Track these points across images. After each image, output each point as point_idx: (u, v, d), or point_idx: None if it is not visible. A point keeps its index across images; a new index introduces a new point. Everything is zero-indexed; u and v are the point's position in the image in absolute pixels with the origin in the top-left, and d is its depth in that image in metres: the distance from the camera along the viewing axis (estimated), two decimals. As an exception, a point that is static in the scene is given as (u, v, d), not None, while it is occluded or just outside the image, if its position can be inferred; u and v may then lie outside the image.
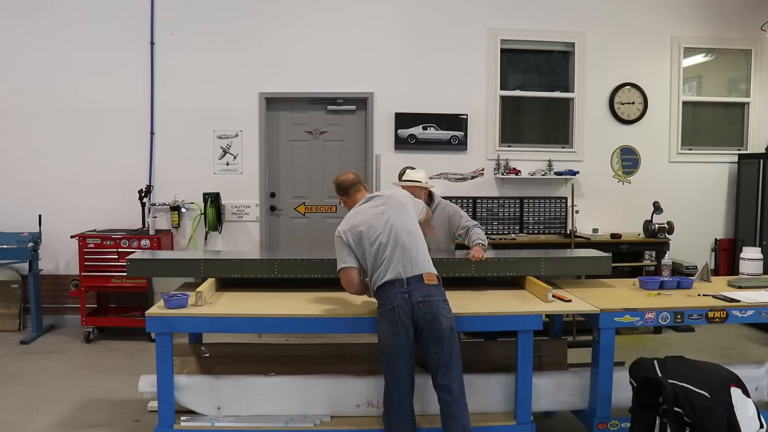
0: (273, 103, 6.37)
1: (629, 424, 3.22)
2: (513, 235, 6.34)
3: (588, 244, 5.99)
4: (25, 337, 5.83)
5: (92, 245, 5.77)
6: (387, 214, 3.25)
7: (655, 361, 3.17)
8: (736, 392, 2.96)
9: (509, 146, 6.59)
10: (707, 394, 2.91)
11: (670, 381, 2.98)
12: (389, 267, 3.13)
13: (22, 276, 6.12)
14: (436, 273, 3.22)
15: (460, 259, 3.91)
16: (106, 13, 6.15)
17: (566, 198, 6.46)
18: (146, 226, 6.05)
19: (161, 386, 3.31)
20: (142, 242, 5.76)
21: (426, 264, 3.21)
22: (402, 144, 6.37)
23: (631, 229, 6.41)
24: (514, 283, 4.02)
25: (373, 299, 3.30)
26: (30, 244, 5.74)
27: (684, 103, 6.78)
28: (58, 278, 6.27)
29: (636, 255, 6.25)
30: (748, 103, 6.92)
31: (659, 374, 3.05)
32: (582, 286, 4.08)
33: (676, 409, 2.93)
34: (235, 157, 6.32)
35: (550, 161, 6.47)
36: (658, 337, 6.02)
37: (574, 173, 6.43)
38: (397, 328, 3.07)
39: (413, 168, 4.51)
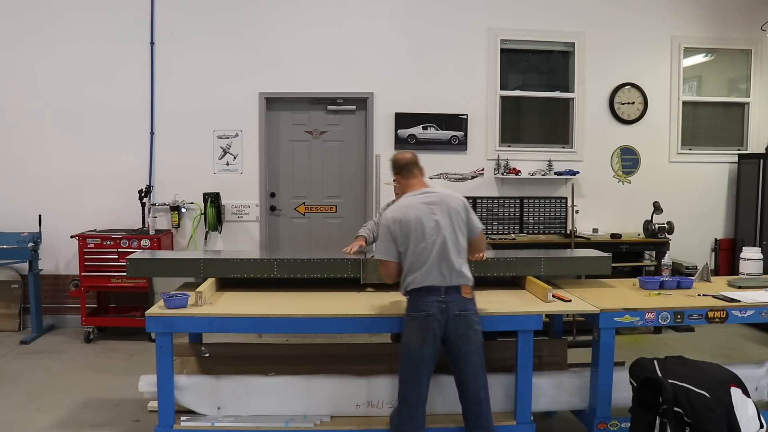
0: (273, 103, 6.37)
1: (629, 424, 3.22)
2: (513, 235, 6.34)
3: (588, 244, 5.99)
4: (25, 337, 5.82)
5: (92, 245, 5.77)
6: (440, 217, 3.13)
7: (655, 361, 3.17)
8: (736, 392, 2.96)
9: (509, 146, 6.59)
10: (707, 394, 2.91)
11: (670, 381, 2.98)
12: (430, 273, 3.08)
13: (22, 276, 6.12)
14: (472, 284, 3.19)
15: (460, 259, 3.90)
16: (106, 13, 6.16)
17: (566, 198, 6.46)
18: (146, 226, 6.05)
19: (161, 386, 3.31)
20: (142, 242, 5.76)
21: (465, 276, 3.15)
22: (402, 144, 6.37)
23: (631, 229, 6.41)
24: (514, 283, 4.02)
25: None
26: (30, 244, 5.74)
27: (684, 103, 6.78)
28: (58, 278, 6.27)
29: (636, 255, 6.25)
30: (748, 103, 6.92)
31: (659, 374, 3.05)
32: (582, 286, 4.08)
33: (676, 409, 2.93)
34: (235, 157, 6.32)
35: (550, 161, 6.47)
36: (658, 337, 6.02)
37: (574, 173, 6.43)
38: (428, 335, 3.05)
39: None
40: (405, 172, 3.31)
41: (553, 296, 3.59)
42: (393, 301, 3.60)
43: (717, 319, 3.52)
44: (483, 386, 3.16)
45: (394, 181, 3.43)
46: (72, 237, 5.80)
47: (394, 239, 3.14)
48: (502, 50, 6.49)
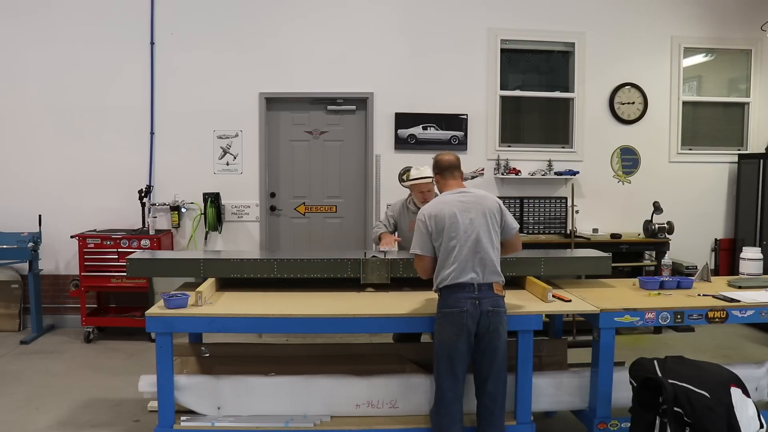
0: (273, 103, 6.37)
1: (629, 424, 3.22)
2: (513, 235, 6.33)
3: (588, 244, 5.99)
4: (25, 337, 5.82)
5: (92, 245, 5.77)
6: (473, 214, 3.19)
7: (655, 361, 3.17)
8: (736, 392, 2.96)
9: (509, 146, 6.59)
10: (707, 394, 2.91)
11: (670, 381, 2.98)
12: (463, 269, 3.12)
13: (22, 276, 6.12)
14: (503, 282, 3.24)
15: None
16: (106, 13, 6.15)
17: (566, 198, 6.46)
18: (146, 226, 6.05)
19: (161, 386, 3.31)
20: (142, 242, 5.76)
21: (498, 274, 3.20)
22: (402, 144, 6.37)
23: (631, 229, 6.41)
24: (514, 283, 4.01)
25: None
26: (30, 244, 5.74)
27: (684, 103, 6.78)
28: (58, 278, 6.27)
29: (636, 255, 6.24)
30: (748, 103, 6.92)
31: (659, 374, 3.05)
32: (582, 286, 4.08)
33: (676, 409, 2.93)
34: (235, 157, 6.32)
35: (550, 161, 6.47)
36: (658, 337, 6.02)
37: (574, 173, 6.42)
38: (462, 331, 3.09)
39: (417, 168, 4.33)
40: (446, 173, 3.41)
41: (553, 296, 3.59)
42: (393, 302, 3.60)
43: (717, 319, 3.52)
44: (503, 385, 3.20)
45: (432, 179, 3.54)
46: (72, 237, 5.80)
47: (429, 234, 3.22)
48: (502, 50, 6.49)
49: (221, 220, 6.27)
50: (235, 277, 3.91)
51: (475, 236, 3.15)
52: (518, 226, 3.40)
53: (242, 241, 6.35)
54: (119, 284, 5.78)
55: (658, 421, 3.02)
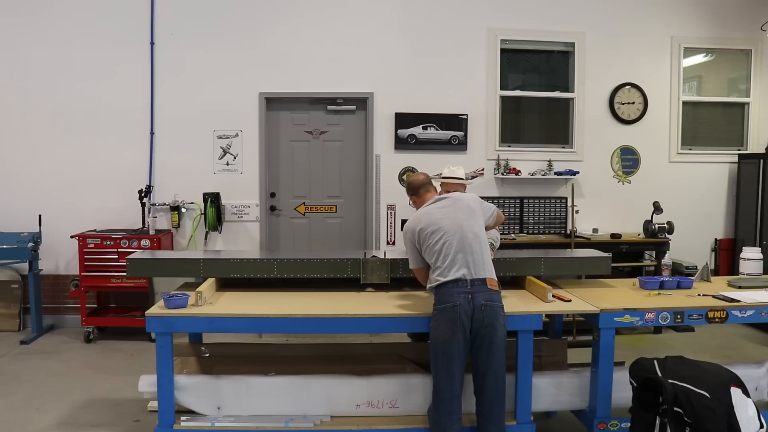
0: (273, 103, 6.37)
1: (629, 424, 3.22)
2: (513, 235, 6.34)
3: (588, 244, 5.99)
4: (25, 337, 5.82)
5: (92, 245, 5.77)
6: (454, 215, 3.27)
7: (655, 361, 3.17)
8: (736, 392, 2.96)
9: (509, 146, 6.60)
10: (707, 394, 2.91)
11: (670, 381, 2.98)
12: (453, 267, 3.16)
13: (22, 276, 6.12)
14: (497, 279, 3.26)
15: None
16: (106, 13, 6.16)
17: (566, 198, 6.46)
18: (146, 226, 6.05)
19: (161, 386, 3.31)
20: (142, 242, 5.76)
21: (490, 269, 3.24)
22: (402, 144, 6.37)
23: (631, 229, 6.41)
24: (514, 283, 4.02)
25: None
26: (30, 244, 5.74)
27: (684, 103, 6.78)
28: (58, 278, 6.27)
29: (636, 255, 6.24)
30: (748, 103, 6.92)
31: (659, 374, 3.05)
32: (582, 286, 4.08)
33: (676, 409, 2.93)
34: (235, 157, 6.32)
35: (550, 161, 6.47)
36: (658, 337, 6.02)
37: (574, 173, 6.43)
38: (456, 326, 3.10)
39: (449, 167, 4.34)
40: (421, 190, 3.53)
41: (553, 296, 3.59)
42: (393, 302, 3.60)
43: (717, 319, 3.52)
44: (501, 382, 3.20)
45: (410, 203, 3.63)
46: (72, 237, 5.80)
47: (416, 246, 3.31)
48: (502, 50, 6.49)
49: (221, 220, 6.27)
50: (235, 277, 3.91)
51: (459, 234, 3.21)
52: (495, 207, 3.54)
53: (242, 241, 6.35)
54: (119, 284, 5.78)
55: (658, 421, 3.02)
